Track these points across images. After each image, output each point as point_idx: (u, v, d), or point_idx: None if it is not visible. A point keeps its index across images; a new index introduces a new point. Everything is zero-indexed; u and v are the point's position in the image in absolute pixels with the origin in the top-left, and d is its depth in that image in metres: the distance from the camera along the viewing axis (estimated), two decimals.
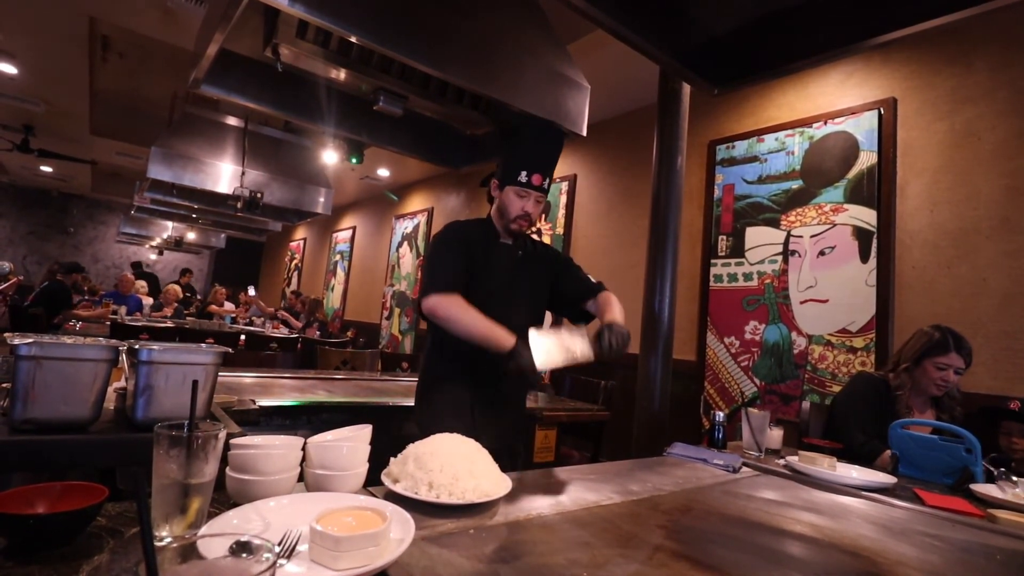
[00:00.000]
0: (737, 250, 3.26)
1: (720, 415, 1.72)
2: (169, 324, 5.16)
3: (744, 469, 1.52)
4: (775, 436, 1.77)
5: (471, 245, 1.62)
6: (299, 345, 4.73)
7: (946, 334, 1.84)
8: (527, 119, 1.96)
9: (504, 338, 1.41)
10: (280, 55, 1.79)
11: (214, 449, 0.75)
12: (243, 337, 4.65)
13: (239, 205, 4.00)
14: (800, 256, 2.96)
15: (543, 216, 4.72)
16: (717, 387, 3.27)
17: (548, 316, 1.90)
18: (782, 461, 1.62)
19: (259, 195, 4.00)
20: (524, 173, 1.58)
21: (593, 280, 1.76)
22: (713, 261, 3.37)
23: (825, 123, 2.96)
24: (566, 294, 1.74)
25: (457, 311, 1.48)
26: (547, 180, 1.61)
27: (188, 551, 0.52)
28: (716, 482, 1.35)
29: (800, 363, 2.89)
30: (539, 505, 1.03)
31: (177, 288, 7.16)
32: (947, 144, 2.57)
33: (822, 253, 2.87)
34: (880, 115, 2.74)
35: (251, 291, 7.60)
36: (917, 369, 1.86)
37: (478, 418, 1.58)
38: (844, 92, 2.95)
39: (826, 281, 2.84)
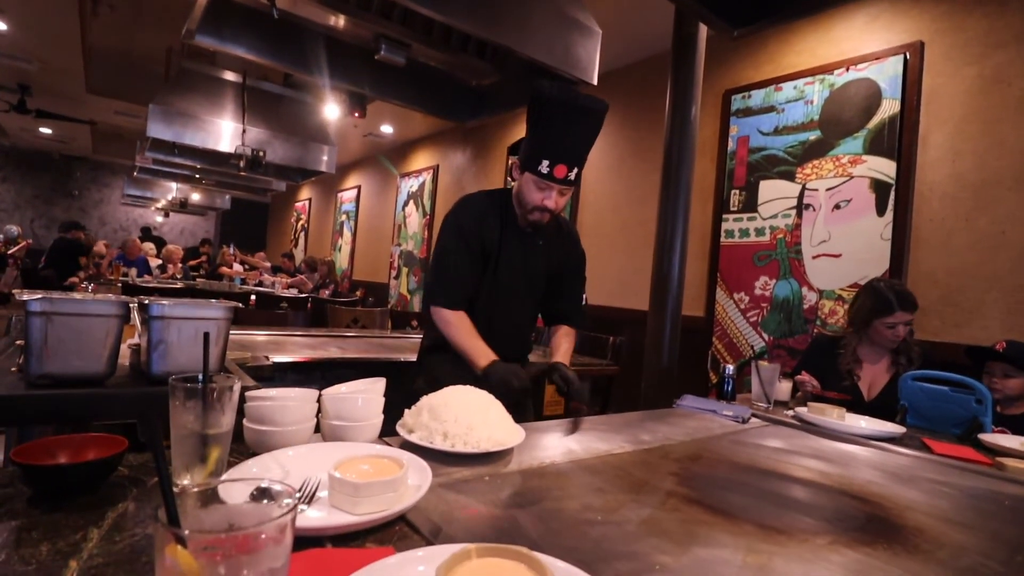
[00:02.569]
0: (750, 204, 3.22)
1: (730, 368, 1.73)
2: (179, 285, 5.20)
3: (753, 420, 1.53)
4: (784, 388, 1.78)
5: (486, 230, 1.49)
6: (309, 304, 4.79)
7: (888, 293, 1.88)
8: (557, 91, 1.43)
9: (481, 358, 1.38)
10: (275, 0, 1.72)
11: (230, 400, 0.75)
12: (253, 297, 4.74)
13: (241, 164, 3.96)
14: (815, 210, 2.91)
15: None
16: (725, 342, 3.28)
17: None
18: (791, 412, 1.63)
19: (261, 153, 3.95)
20: (546, 163, 1.36)
21: (584, 302, 1.69)
22: (725, 216, 3.33)
23: (847, 70, 2.84)
24: (549, 302, 1.64)
25: (455, 332, 1.45)
26: (574, 171, 1.38)
27: (209, 496, 0.53)
28: (726, 432, 1.37)
29: (810, 318, 2.88)
30: (552, 454, 1.04)
31: (177, 248, 7.19)
32: (974, 91, 2.46)
33: (837, 207, 2.82)
34: (905, 60, 2.63)
35: (230, 248, 7.55)
36: (868, 329, 1.93)
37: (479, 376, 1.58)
38: (869, 36, 2.82)
39: (840, 235, 2.80)
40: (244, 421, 0.87)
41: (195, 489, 0.52)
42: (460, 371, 1.41)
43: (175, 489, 0.52)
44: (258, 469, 0.75)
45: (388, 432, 1.01)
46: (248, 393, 0.88)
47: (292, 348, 2.34)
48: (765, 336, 3.08)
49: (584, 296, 1.72)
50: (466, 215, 1.52)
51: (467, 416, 0.97)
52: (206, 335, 0.83)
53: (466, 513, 0.73)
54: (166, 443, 0.73)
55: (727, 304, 3.29)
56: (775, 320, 3.04)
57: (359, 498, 0.66)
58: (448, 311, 1.47)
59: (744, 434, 1.37)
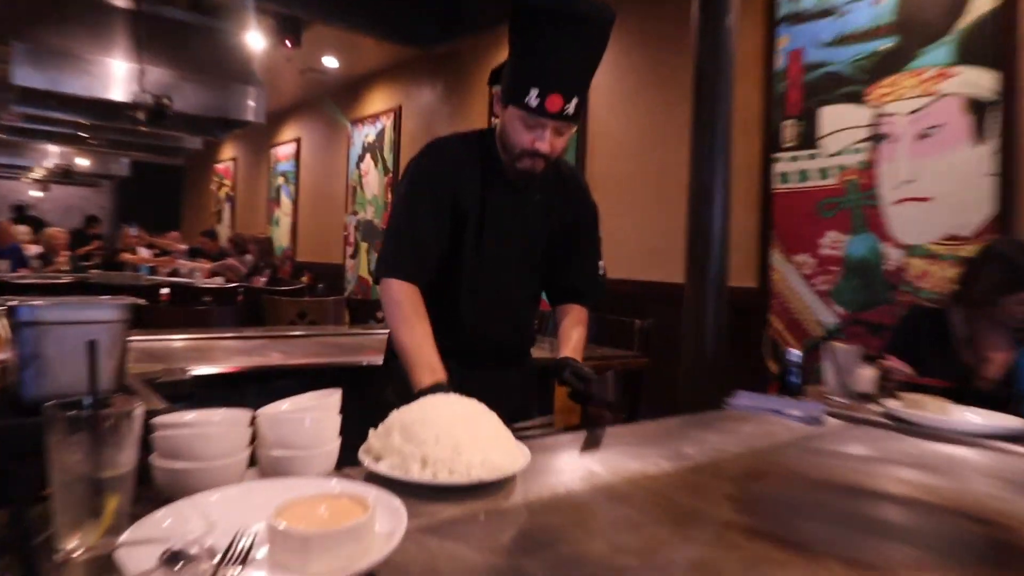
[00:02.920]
0: (808, 138, 3.19)
1: (795, 353, 1.73)
2: (66, 280, 5.15)
3: (829, 420, 1.54)
4: (867, 376, 1.78)
5: (463, 183, 1.49)
6: (240, 297, 4.79)
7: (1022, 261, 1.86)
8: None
9: (423, 373, 1.32)
10: None
11: (130, 430, 0.73)
12: (166, 290, 4.70)
13: (141, 116, 3.91)
14: (894, 141, 2.89)
15: None
16: (786, 320, 3.28)
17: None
18: (878, 408, 1.64)
19: (167, 101, 3.92)
20: (535, 92, 1.32)
21: (601, 271, 1.69)
22: (777, 155, 3.31)
23: None
24: (554, 275, 1.64)
25: (398, 319, 1.41)
26: (573, 103, 1.34)
27: (103, 566, 0.50)
28: (794, 438, 1.37)
29: (894, 283, 2.88)
30: (568, 479, 1.03)
31: (61, 231, 7.09)
32: None
33: (923, 135, 2.80)
34: None
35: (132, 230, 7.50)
36: (993, 308, 1.91)
37: (467, 378, 1.56)
38: None
39: (928, 172, 2.78)
40: (152, 457, 0.85)
41: (82, 557, 0.49)
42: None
43: (57, 557, 0.48)
44: (172, 523, 0.72)
45: (348, 461, 0.99)
46: (156, 420, 0.86)
47: (219, 355, 2.33)
48: (838, 309, 3.08)
49: (601, 264, 1.70)
50: (435, 163, 1.50)
51: (452, 434, 0.95)
52: (92, 344, 0.80)
53: (456, 566, 0.72)
54: (46, 493, 0.70)
55: (786, 270, 3.27)
56: (850, 288, 3.03)
57: (310, 555, 0.64)
58: (397, 285, 1.43)
59: (818, 439, 1.37)
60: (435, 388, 1.27)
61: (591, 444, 1.26)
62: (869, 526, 0.90)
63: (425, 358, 1.35)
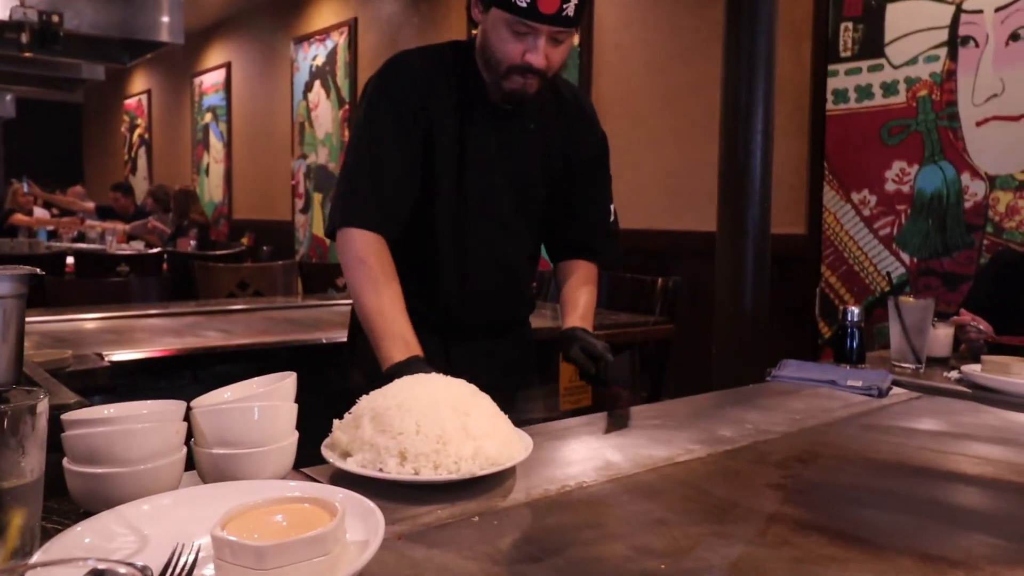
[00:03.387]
0: (872, 46, 3.17)
1: (853, 312, 1.74)
2: None
3: (895, 391, 1.55)
4: (942, 337, 1.80)
5: (434, 108, 1.48)
6: (165, 264, 4.80)
7: None
8: None
9: (393, 346, 1.33)
10: None
11: (32, 431, 0.72)
12: (71, 259, 4.68)
13: (24, 39, 3.84)
14: (977, 46, 2.88)
15: None
16: (842, 272, 3.30)
17: None
18: (954, 374, 1.66)
19: (55, 19, 3.83)
20: None
21: (613, 219, 1.70)
22: (832, 68, 3.29)
23: None
24: (555, 224, 1.66)
25: (362, 280, 1.41)
26: (573, 2, 1.34)
27: None
28: (853, 413, 1.38)
29: (976, 223, 2.89)
30: (578, 471, 1.04)
31: None
32: None
33: (1014, 37, 2.78)
34: None
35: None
36: None
37: (452, 354, 1.58)
38: None
39: (1020, 85, 2.77)
40: (65, 462, 0.85)
41: None
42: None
43: None
44: (94, 539, 0.73)
45: (309, 460, 1.00)
46: (66, 416, 0.86)
47: (143, 337, 2.33)
48: (905, 257, 3.10)
49: (613, 209, 1.70)
50: (399, 82, 1.50)
51: (436, 421, 0.96)
52: None
53: None
54: None
55: (842, 212, 3.28)
56: (920, 231, 3.04)
57: (266, 571, 0.65)
58: (359, 237, 1.43)
59: (882, 414, 1.39)
60: (410, 364, 1.28)
61: (607, 428, 1.27)
62: (944, 514, 0.92)
63: (396, 327, 1.36)
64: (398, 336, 1.34)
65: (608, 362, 1.40)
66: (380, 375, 1.23)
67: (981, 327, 1.90)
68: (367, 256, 1.42)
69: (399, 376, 1.18)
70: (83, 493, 0.85)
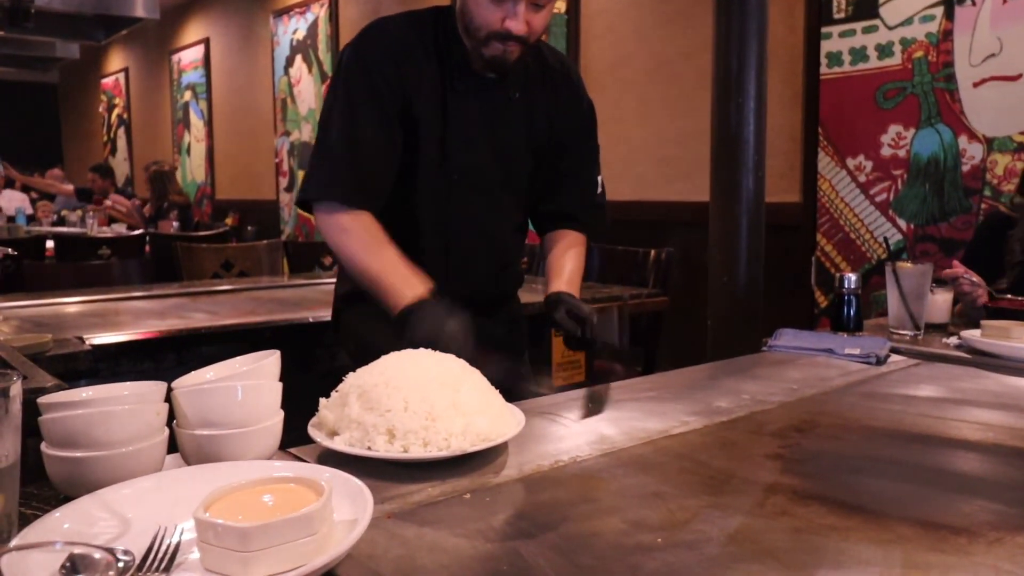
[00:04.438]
0: (866, 6, 3.16)
1: (850, 279, 1.74)
2: None
3: (894, 357, 1.56)
4: (941, 303, 1.81)
5: (412, 77, 1.47)
6: (147, 247, 4.82)
7: None
8: None
9: (402, 290, 1.34)
10: None
11: (7, 414, 0.72)
12: (51, 243, 4.70)
13: None
14: (974, 4, 2.87)
15: None
16: (837, 240, 3.32)
17: None
18: (953, 340, 1.67)
19: None
20: None
21: (600, 190, 1.71)
22: (826, 30, 3.29)
23: None
24: (541, 196, 1.66)
25: (355, 247, 1.42)
26: None
27: None
28: (851, 381, 1.40)
29: (974, 187, 2.90)
30: (572, 445, 1.05)
31: None
32: None
33: None
34: None
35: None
36: None
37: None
38: None
39: (1019, 43, 2.76)
40: (43, 447, 0.85)
41: None
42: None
43: None
44: (73, 524, 0.73)
45: (295, 440, 1.00)
46: (43, 400, 0.86)
47: (126, 320, 2.34)
48: (902, 223, 3.11)
49: (600, 180, 1.69)
50: (376, 50, 1.48)
51: (425, 398, 0.96)
52: None
53: (438, 558, 0.72)
54: None
55: (837, 178, 3.29)
56: (917, 196, 3.05)
57: (251, 552, 0.65)
58: (342, 211, 1.42)
59: (881, 381, 1.40)
60: (422, 304, 1.29)
61: (600, 401, 1.28)
62: (945, 481, 0.93)
63: (401, 272, 1.37)
64: (404, 280, 1.36)
65: (592, 323, 1.41)
66: (369, 354, 1.23)
67: (974, 279, 1.91)
68: (352, 226, 1.42)
69: (418, 318, 1.24)
70: (63, 478, 0.85)
